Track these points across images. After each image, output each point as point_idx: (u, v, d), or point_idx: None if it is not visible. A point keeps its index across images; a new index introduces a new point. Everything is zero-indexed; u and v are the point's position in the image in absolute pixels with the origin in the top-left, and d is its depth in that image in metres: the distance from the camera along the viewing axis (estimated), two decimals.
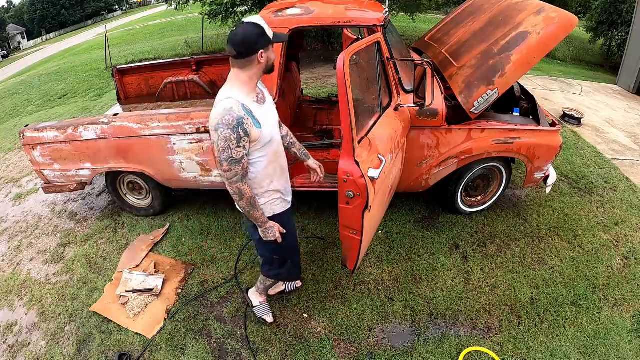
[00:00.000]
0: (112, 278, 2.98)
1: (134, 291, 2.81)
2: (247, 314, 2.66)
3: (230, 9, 8.66)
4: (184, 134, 2.98)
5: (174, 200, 3.75)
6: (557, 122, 3.06)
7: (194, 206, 3.73)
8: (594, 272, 2.91)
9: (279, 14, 2.73)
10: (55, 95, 8.68)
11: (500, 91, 2.77)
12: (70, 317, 2.74)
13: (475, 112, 2.79)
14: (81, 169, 3.28)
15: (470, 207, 3.39)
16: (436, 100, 2.70)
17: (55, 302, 2.87)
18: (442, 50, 3.33)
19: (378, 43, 2.51)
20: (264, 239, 2.00)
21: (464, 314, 2.62)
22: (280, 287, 2.76)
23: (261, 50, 1.66)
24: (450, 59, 3.13)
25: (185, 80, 3.89)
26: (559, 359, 2.33)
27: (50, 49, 28.99)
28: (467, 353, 2.36)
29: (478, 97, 2.75)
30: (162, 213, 3.65)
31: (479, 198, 3.40)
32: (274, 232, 1.97)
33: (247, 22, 1.66)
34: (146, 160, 3.15)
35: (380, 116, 2.43)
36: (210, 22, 9.39)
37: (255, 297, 2.60)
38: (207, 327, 2.61)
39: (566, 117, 5.40)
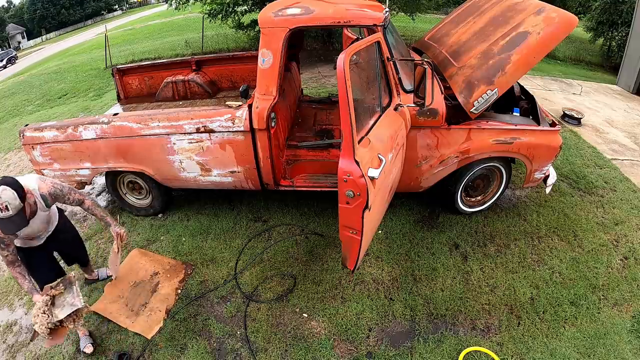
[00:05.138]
0: (112, 278, 2.98)
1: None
2: (247, 314, 2.66)
3: (231, 8, 8.66)
4: (184, 133, 2.98)
5: (173, 200, 3.76)
6: (556, 122, 3.06)
7: (193, 206, 3.73)
8: (593, 272, 2.91)
9: (279, 13, 2.73)
10: (55, 94, 8.68)
11: (500, 91, 2.77)
12: None
13: (475, 112, 2.79)
14: (81, 169, 3.28)
15: (470, 207, 3.39)
16: (436, 100, 2.70)
17: None
18: (442, 50, 3.33)
19: (378, 43, 2.51)
20: None
21: (463, 314, 2.62)
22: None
23: None
24: (450, 59, 3.13)
25: (185, 80, 3.89)
26: (558, 359, 2.33)
27: (50, 48, 28.98)
28: (467, 353, 2.37)
29: (478, 97, 2.75)
30: (162, 212, 3.65)
31: (479, 198, 3.40)
32: None
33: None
34: (146, 159, 3.15)
35: (380, 116, 2.43)
36: (210, 21, 9.39)
37: None
38: (207, 327, 2.61)
39: (566, 117, 5.40)
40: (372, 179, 2.05)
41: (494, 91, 2.75)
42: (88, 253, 3.31)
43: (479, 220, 3.39)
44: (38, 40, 47.29)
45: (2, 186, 1.82)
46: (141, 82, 4.20)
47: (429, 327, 2.54)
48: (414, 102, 2.70)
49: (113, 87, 7.01)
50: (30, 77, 12.36)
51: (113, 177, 3.45)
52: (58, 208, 2.52)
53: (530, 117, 3.13)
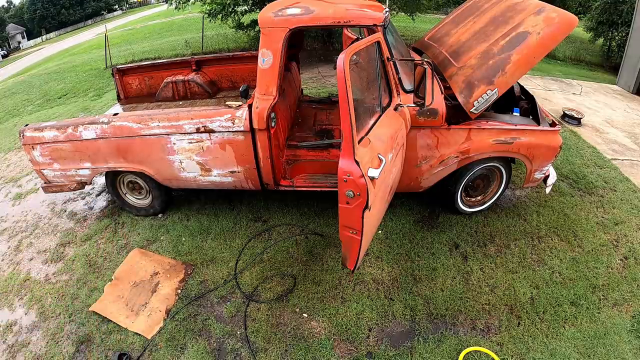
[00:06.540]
0: (112, 278, 2.98)
1: None
2: (247, 314, 2.66)
3: (231, 8, 8.66)
4: (184, 133, 2.98)
5: (173, 200, 3.76)
6: (556, 122, 3.06)
7: (194, 206, 3.73)
8: (593, 272, 2.91)
9: (279, 13, 2.73)
10: (55, 95, 8.68)
11: (500, 91, 2.77)
12: (69, 317, 2.74)
13: (475, 112, 2.79)
14: (81, 169, 3.28)
15: (470, 207, 3.39)
16: (436, 100, 2.70)
17: (54, 302, 2.87)
18: (442, 50, 3.33)
19: (378, 43, 2.51)
20: None
21: (463, 314, 2.62)
22: None
23: None
24: (450, 59, 3.13)
25: (185, 80, 3.89)
26: (558, 359, 2.33)
27: (50, 48, 28.99)
28: (467, 353, 2.37)
29: (478, 97, 2.75)
30: (162, 212, 3.65)
31: (479, 198, 3.40)
32: None
33: None
34: (146, 159, 3.15)
35: (380, 116, 2.43)
36: (210, 21, 9.39)
37: None
38: (207, 327, 2.61)
39: (566, 117, 5.40)
40: (372, 179, 2.06)
41: (494, 91, 2.75)
42: (88, 253, 3.28)
43: (479, 220, 3.39)
44: (38, 40, 47.29)
45: None
46: (141, 82, 4.20)
47: (429, 327, 2.54)
48: (414, 102, 2.70)
49: (113, 87, 7.02)
50: (30, 77, 12.36)
51: (113, 177, 3.45)
52: None
53: (530, 117, 3.13)
